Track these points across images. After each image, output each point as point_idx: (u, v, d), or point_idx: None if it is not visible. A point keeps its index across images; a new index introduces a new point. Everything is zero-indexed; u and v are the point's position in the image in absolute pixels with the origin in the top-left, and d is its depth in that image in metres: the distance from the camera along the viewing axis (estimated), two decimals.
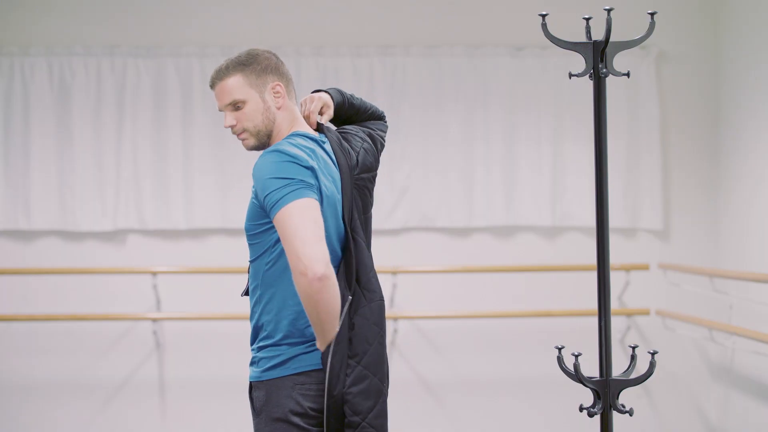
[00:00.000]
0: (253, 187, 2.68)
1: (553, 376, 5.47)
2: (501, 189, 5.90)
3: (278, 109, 2.79)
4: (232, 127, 2.79)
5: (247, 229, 2.75)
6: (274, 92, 2.79)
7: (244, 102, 2.76)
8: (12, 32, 5.89)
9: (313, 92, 3.02)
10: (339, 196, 2.75)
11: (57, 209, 5.82)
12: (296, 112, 2.85)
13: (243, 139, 2.81)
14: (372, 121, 3.13)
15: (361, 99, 3.13)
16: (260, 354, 2.75)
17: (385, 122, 3.18)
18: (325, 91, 3.01)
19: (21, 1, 5.90)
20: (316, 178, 2.65)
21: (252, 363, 2.78)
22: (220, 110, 2.81)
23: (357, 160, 2.85)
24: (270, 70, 2.79)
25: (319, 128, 2.93)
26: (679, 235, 6.00)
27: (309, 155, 2.68)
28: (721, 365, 5.83)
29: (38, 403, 5.84)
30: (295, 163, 2.61)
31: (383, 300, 2.80)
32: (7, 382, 5.85)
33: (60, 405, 5.84)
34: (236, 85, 2.76)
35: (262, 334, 2.75)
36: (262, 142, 2.81)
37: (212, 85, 2.80)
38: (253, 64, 2.77)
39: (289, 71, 2.87)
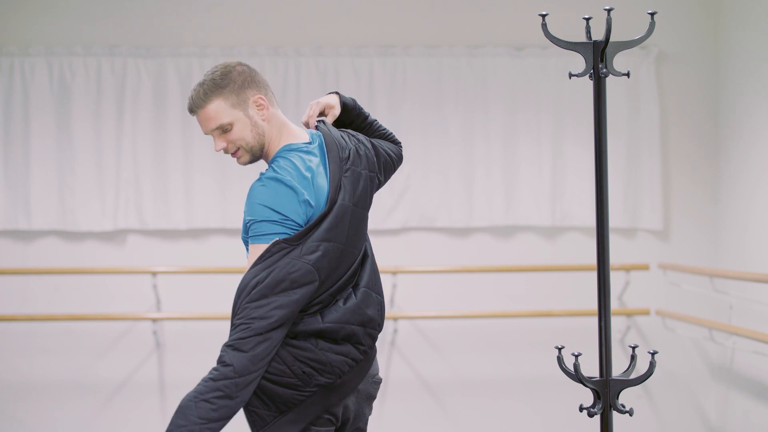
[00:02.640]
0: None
1: (553, 376, 5.48)
2: (501, 189, 5.90)
3: (264, 121, 2.75)
4: (223, 149, 2.75)
5: (243, 240, 2.76)
6: (257, 106, 2.74)
7: (231, 124, 2.71)
8: (12, 32, 5.89)
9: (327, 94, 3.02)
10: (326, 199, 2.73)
11: (57, 209, 5.82)
12: (281, 117, 2.81)
13: (238, 157, 2.78)
14: (383, 140, 3.07)
15: (376, 120, 3.09)
16: None
17: (400, 147, 3.10)
18: (335, 93, 3.00)
19: (21, 1, 5.90)
20: (310, 205, 2.65)
21: None
22: (206, 134, 2.76)
23: (349, 154, 2.80)
24: (247, 84, 2.73)
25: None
26: (679, 235, 6.00)
27: (306, 181, 2.66)
28: (721, 365, 5.83)
29: (38, 403, 5.84)
30: (293, 196, 2.61)
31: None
32: (7, 382, 5.85)
33: (60, 405, 5.84)
34: (218, 109, 2.70)
35: None
36: (256, 156, 2.79)
37: (191, 112, 2.74)
38: (230, 83, 2.71)
39: (264, 78, 2.82)
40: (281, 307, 2.55)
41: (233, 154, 2.78)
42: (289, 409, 2.66)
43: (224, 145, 2.74)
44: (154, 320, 5.80)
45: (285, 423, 2.67)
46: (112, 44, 5.86)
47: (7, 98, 5.82)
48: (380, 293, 2.84)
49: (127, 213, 5.85)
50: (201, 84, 2.72)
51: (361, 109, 3.04)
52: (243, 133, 2.72)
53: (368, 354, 2.79)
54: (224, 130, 2.72)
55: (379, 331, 2.82)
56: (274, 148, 2.77)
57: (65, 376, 5.86)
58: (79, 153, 5.82)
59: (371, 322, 2.77)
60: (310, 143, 2.78)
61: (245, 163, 2.81)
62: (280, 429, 2.67)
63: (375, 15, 5.97)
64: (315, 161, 2.73)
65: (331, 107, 2.95)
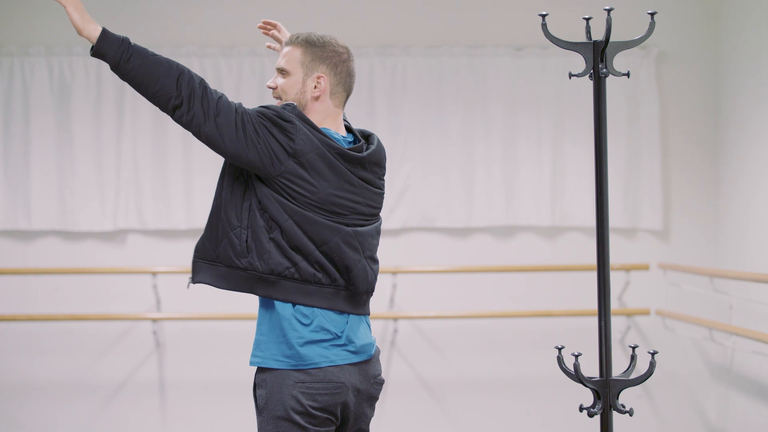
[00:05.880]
0: None
1: (553, 376, 5.47)
2: (501, 189, 5.90)
3: (313, 98, 2.83)
4: (272, 88, 2.88)
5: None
6: (315, 82, 2.83)
7: (288, 73, 2.85)
8: (12, 32, 5.89)
9: None
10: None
11: (57, 209, 5.82)
12: (334, 112, 2.86)
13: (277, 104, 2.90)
14: None
15: None
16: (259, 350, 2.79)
17: None
18: None
19: (21, 1, 5.90)
20: None
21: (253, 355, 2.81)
22: (275, 67, 2.91)
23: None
24: (327, 63, 2.84)
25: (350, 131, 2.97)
26: (679, 235, 6.00)
27: None
28: (721, 365, 5.83)
29: (38, 403, 5.84)
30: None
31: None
32: (7, 382, 5.85)
33: (60, 405, 5.84)
34: (292, 56, 2.85)
35: (259, 334, 2.79)
36: None
37: (284, 44, 2.91)
38: (317, 48, 2.84)
39: (354, 78, 2.89)
40: (215, 94, 2.80)
41: (277, 99, 2.91)
42: (224, 266, 2.75)
43: (274, 86, 2.88)
44: (154, 320, 5.80)
45: (214, 272, 2.76)
46: None
47: (7, 98, 5.82)
48: (371, 259, 2.85)
49: (127, 213, 5.85)
50: (308, 31, 2.90)
51: None
52: (289, 89, 2.85)
53: (326, 289, 2.75)
54: (282, 74, 2.87)
55: (351, 286, 2.78)
56: None
57: (65, 376, 5.86)
58: (79, 153, 5.82)
59: (342, 254, 2.77)
60: (345, 137, 2.87)
61: None
62: (206, 270, 2.77)
63: (375, 15, 5.97)
64: None
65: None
